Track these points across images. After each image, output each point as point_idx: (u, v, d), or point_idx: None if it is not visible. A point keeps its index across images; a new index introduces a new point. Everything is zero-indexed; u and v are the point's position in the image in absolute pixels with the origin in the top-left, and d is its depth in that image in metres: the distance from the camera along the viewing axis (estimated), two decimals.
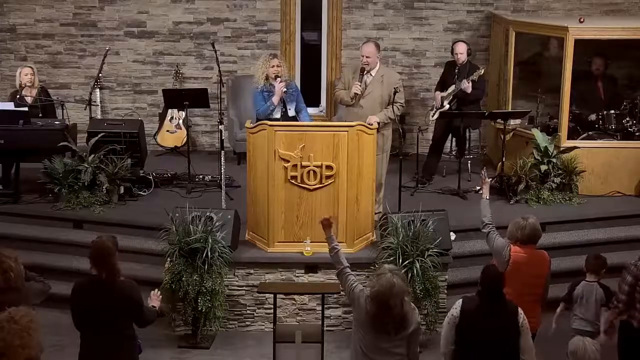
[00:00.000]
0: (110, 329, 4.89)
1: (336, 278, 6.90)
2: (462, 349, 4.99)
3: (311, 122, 8.09)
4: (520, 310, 5.01)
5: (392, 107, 7.72)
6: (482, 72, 8.91)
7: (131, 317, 4.95)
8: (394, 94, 7.72)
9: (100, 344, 4.92)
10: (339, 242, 6.84)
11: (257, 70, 8.02)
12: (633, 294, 5.63)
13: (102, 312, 4.87)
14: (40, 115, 8.92)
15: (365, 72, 7.73)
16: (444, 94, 9.14)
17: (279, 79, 7.82)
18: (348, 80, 7.86)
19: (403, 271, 6.67)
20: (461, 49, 9.15)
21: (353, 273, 5.08)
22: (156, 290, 5.44)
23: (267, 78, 7.89)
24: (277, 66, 7.89)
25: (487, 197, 6.18)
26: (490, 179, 6.41)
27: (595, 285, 6.03)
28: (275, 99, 7.77)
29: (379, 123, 7.50)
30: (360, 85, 7.68)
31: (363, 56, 7.73)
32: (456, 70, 9.14)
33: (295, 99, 8.02)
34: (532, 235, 5.72)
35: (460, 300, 5.06)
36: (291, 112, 7.93)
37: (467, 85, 8.80)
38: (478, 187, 8.96)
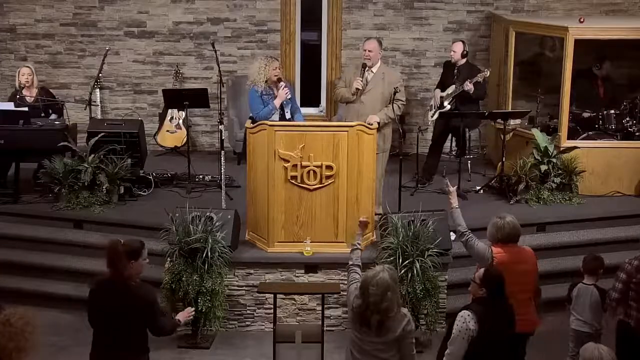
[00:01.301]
0: (121, 329, 4.86)
1: (337, 278, 6.96)
2: (480, 356, 4.91)
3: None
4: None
5: (393, 105, 7.73)
6: (487, 74, 8.87)
7: (143, 321, 4.91)
8: (394, 93, 7.74)
9: (109, 344, 4.90)
10: (339, 242, 6.91)
11: (256, 73, 7.95)
12: (625, 291, 5.63)
13: (113, 312, 4.84)
14: (42, 115, 8.91)
15: (367, 68, 7.76)
16: (444, 94, 9.13)
17: (282, 83, 7.81)
18: (349, 78, 7.87)
19: (403, 271, 6.70)
20: (455, 48, 9.15)
21: (359, 271, 5.05)
22: (191, 308, 5.47)
23: (266, 81, 7.86)
24: (278, 68, 7.88)
25: (457, 206, 6.05)
26: (454, 187, 6.28)
27: (591, 288, 6.02)
28: (277, 102, 7.76)
29: (379, 123, 7.52)
30: (361, 80, 7.71)
31: (365, 50, 7.80)
32: (455, 71, 9.13)
33: (291, 100, 8.02)
34: (512, 234, 5.64)
35: (469, 312, 4.88)
36: (288, 115, 7.94)
37: (469, 87, 8.80)
38: (478, 187, 8.99)
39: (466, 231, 5.86)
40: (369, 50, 7.75)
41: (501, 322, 4.91)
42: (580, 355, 4.46)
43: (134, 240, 5.08)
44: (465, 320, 4.84)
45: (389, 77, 7.86)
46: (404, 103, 7.94)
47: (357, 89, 7.69)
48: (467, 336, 4.81)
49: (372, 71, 7.80)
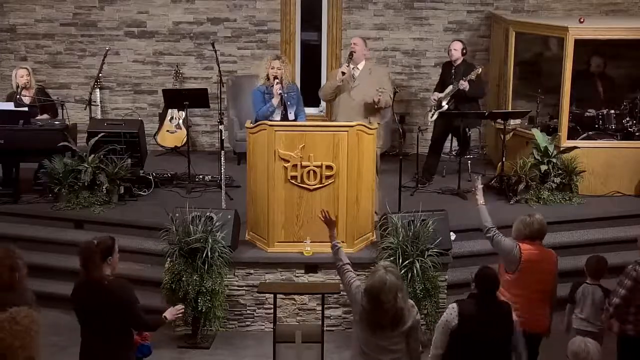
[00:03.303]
0: (100, 326, 4.92)
1: (336, 277, 6.94)
2: (461, 353, 4.94)
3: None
4: (512, 309, 5.03)
5: (389, 96, 7.88)
6: (480, 71, 8.92)
7: (121, 317, 4.94)
8: (395, 93, 7.89)
9: (93, 342, 4.98)
10: (339, 242, 6.89)
11: (260, 71, 8.06)
12: (627, 298, 5.60)
13: (92, 311, 4.92)
14: (39, 115, 8.89)
15: (352, 62, 7.88)
16: (442, 94, 9.15)
17: (276, 81, 7.82)
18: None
19: (403, 271, 6.69)
20: (455, 47, 9.18)
21: (352, 270, 5.08)
22: (180, 305, 5.44)
23: (268, 79, 7.90)
24: (278, 68, 7.89)
25: (483, 203, 6.10)
26: (482, 184, 6.33)
27: (597, 287, 6.02)
28: (274, 101, 7.77)
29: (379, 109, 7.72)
30: (348, 66, 7.83)
31: (352, 43, 8.07)
32: (453, 71, 9.15)
33: (296, 102, 8.03)
34: (540, 230, 5.72)
35: (455, 304, 4.98)
36: (291, 116, 7.94)
37: (465, 85, 8.82)
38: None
39: (492, 227, 5.89)
40: (354, 44, 8.02)
41: (488, 322, 4.89)
42: (568, 349, 4.48)
43: (105, 238, 5.11)
44: (449, 311, 4.96)
45: (376, 71, 8.08)
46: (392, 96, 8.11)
47: (343, 73, 7.78)
48: (446, 326, 4.92)
49: (358, 68, 7.96)
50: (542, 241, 5.79)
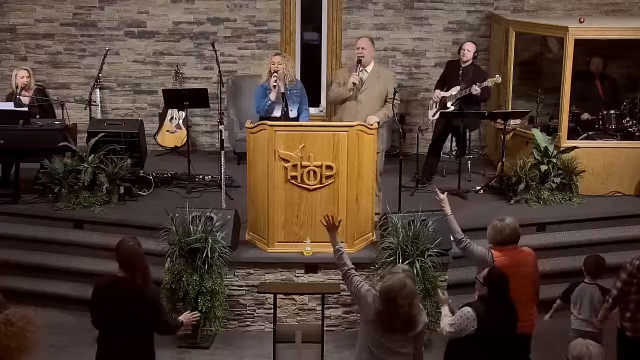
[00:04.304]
0: (129, 330, 4.88)
1: (337, 278, 6.94)
2: (480, 355, 4.96)
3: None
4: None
5: (392, 103, 7.77)
6: (499, 80, 8.85)
7: (149, 321, 4.93)
8: (394, 93, 7.80)
9: (116, 345, 4.92)
10: (342, 246, 6.90)
11: (262, 69, 8.07)
12: (624, 291, 5.63)
13: (123, 314, 4.86)
14: (37, 116, 8.89)
15: (362, 68, 7.80)
16: (446, 94, 9.12)
17: (274, 75, 7.80)
18: (344, 79, 7.90)
19: None
20: (468, 47, 9.15)
21: (358, 274, 5.04)
22: (197, 313, 5.50)
23: (270, 75, 7.90)
24: (279, 63, 7.88)
25: (450, 213, 6.03)
26: (445, 193, 6.28)
27: (595, 287, 6.03)
28: (272, 95, 7.77)
29: (378, 123, 7.54)
30: (357, 75, 7.74)
31: (358, 48, 7.87)
32: (460, 72, 9.11)
33: (298, 100, 8.01)
34: (513, 235, 5.63)
35: (470, 310, 4.96)
36: (292, 113, 7.92)
37: (478, 91, 8.78)
38: (478, 187, 8.98)
39: (463, 237, 5.83)
40: (362, 48, 7.83)
41: (501, 323, 4.91)
42: (569, 353, 4.44)
43: (137, 240, 5.11)
44: (465, 316, 4.93)
45: (384, 75, 7.97)
46: (399, 102, 7.99)
47: (354, 83, 7.72)
48: (463, 332, 4.92)
49: (366, 71, 7.87)
50: (517, 244, 5.70)
